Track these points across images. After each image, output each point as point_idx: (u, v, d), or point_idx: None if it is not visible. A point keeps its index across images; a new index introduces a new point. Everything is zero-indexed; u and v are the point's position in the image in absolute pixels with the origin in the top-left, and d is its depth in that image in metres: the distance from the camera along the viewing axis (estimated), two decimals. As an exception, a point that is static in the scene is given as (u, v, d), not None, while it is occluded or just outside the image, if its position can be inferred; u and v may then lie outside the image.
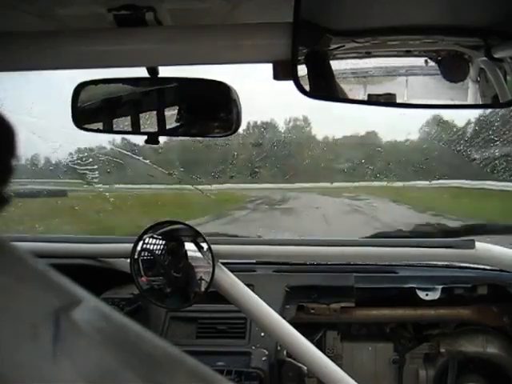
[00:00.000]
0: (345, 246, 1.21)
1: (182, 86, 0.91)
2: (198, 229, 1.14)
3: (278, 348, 1.32)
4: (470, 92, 0.75)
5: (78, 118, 0.91)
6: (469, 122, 2.65)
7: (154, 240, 1.15)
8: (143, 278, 1.14)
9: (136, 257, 1.13)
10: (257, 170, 3.16)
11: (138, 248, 1.14)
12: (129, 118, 0.95)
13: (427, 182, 2.91)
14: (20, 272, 0.27)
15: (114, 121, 0.95)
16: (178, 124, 0.94)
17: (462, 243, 1.16)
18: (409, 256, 1.24)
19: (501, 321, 1.42)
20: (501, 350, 1.42)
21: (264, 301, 1.16)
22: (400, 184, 3.19)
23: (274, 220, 3.88)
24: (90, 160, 2.48)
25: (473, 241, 1.16)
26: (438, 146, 2.90)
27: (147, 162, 2.50)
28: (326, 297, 1.43)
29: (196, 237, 1.14)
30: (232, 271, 1.16)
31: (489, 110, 2.33)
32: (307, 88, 0.71)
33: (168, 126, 0.93)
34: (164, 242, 1.15)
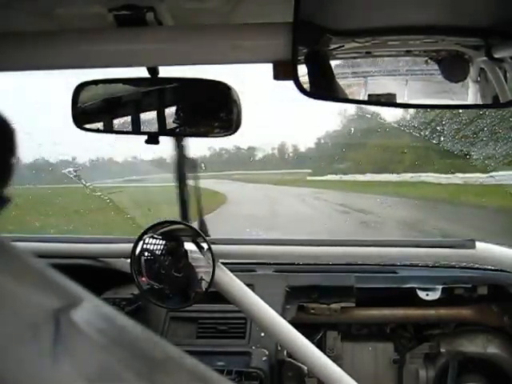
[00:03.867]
0: (345, 246, 1.21)
1: (182, 86, 0.91)
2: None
3: (278, 348, 1.32)
4: (470, 92, 0.75)
5: (79, 118, 0.92)
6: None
7: (154, 240, 1.15)
8: (143, 278, 1.14)
9: (136, 257, 1.13)
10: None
11: (138, 248, 1.14)
12: (129, 118, 0.95)
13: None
14: (20, 272, 0.27)
15: (115, 121, 0.95)
16: (179, 124, 0.94)
17: (462, 243, 1.16)
18: (409, 256, 1.24)
19: (501, 321, 1.42)
20: (501, 350, 1.42)
21: (264, 301, 1.15)
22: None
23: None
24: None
25: (473, 241, 1.16)
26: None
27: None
28: (327, 297, 1.43)
29: (196, 237, 1.14)
30: (232, 271, 1.16)
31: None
32: (307, 88, 0.71)
33: (168, 126, 0.93)
34: (164, 242, 1.15)
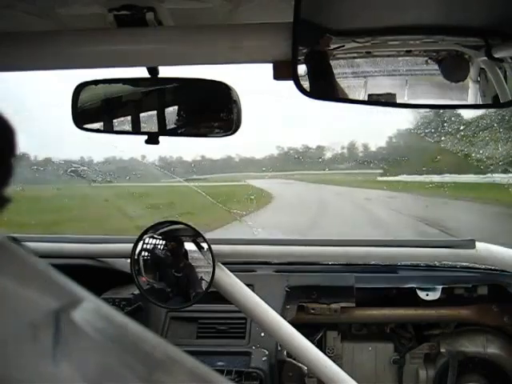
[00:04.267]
0: (345, 246, 1.21)
1: (183, 86, 0.91)
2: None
3: (278, 348, 1.32)
4: (470, 92, 0.75)
5: (78, 118, 0.92)
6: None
7: (154, 240, 1.15)
8: (143, 278, 1.14)
9: (136, 257, 1.13)
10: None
11: (138, 248, 1.14)
12: (129, 117, 0.95)
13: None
14: (20, 272, 0.27)
15: (114, 121, 0.95)
16: (179, 124, 0.94)
17: (462, 243, 1.16)
18: (409, 256, 1.24)
19: (501, 321, 1.42)
20: (501, 350, 1.42)
21: (264, 301, 1.16)
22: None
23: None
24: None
25: (473, 241, 1.16)
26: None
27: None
28: (326, 297, 1.43)
29: (196, 237, 1.14)
30: (232, 271, 1.16)
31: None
32: (307, 88, 0.71)
33: (168, 126, 0.93)
34: (164, 242, 1.15)
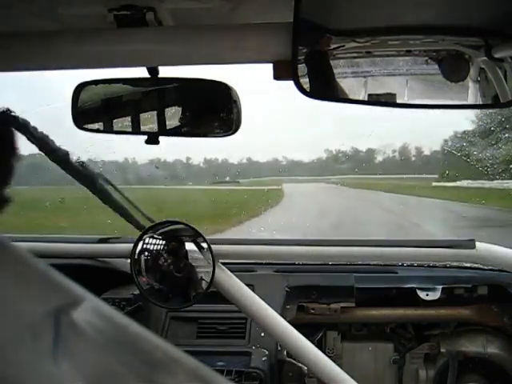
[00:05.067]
0: (345, 246, 1.21)
1: (183, 86, 0.91)
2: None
3: (278, 348, 1.32)
4: (470, 92, 0.75)
5: (78, 118, 0.92)
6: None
7: (154, 240, 1.15)
8: (143, 278, 1.14)
9: (136, 257, 1.13)
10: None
11: (138, 248, 1.14)
12: (129, 118, 0.95)
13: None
14: (20, 272, 0.27)
15: (114, 121, 0.95)
16: (179, 124, 0.94)
17: (463, 243, 1.16)
18: (409, 256, 1.24)
19: (501, 321, 1.42)
20: (501, 350, 1.42)
21: (264, 301, 1.16)
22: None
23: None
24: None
25: (473, 241, 1.16)
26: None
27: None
28: (326, 297, 1.43)
29: (196, 237, 1.14)
30: (232, 271, 1.16)
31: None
32: (307, 88, 0.71)
33: (168, 126, 0.93)
34: (164, 242, 1.15)
